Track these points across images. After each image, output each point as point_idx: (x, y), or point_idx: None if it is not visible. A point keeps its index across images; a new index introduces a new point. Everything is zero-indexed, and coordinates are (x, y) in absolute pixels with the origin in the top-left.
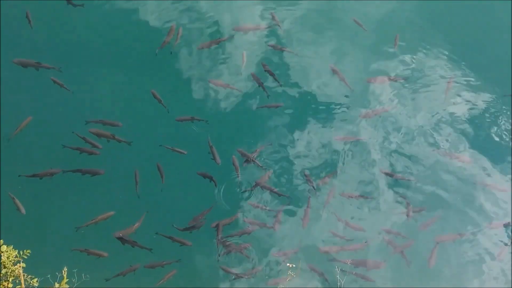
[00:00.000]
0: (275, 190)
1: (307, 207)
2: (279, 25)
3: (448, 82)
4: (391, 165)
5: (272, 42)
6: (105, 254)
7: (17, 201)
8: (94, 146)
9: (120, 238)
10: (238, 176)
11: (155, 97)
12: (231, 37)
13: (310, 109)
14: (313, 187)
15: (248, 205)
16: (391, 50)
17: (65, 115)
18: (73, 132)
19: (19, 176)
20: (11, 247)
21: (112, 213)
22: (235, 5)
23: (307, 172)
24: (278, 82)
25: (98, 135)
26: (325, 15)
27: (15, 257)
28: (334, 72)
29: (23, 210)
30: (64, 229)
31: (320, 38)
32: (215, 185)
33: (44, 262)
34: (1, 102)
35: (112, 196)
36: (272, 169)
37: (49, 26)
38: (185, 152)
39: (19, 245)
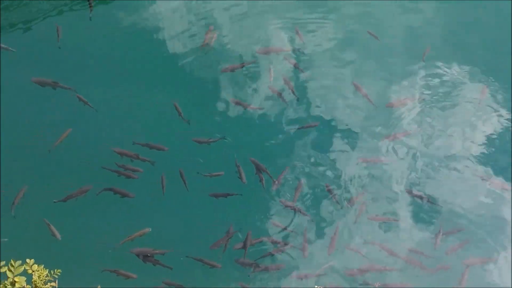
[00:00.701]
0: (298, 208)
1: (335, 234)
2: (302, 41)
3: (478, 103)
4: (416, 187)
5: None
6: (135, 276)
7: (52, 227)
8: (134, 170)
9: (142, 256)
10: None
11: (176, 109)
12: (255, 61)
13: (332, 130)
14: (336, 200)
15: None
16: (416, 68)
17: (89, 133)
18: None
19: (54, 202)
20: (42, 266)
21: (148, 229)
22: (259, 24)
23: (329, 186)
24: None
25: (121, 155)
26: (349, 31)
27: (46, 276)
28: (356, 88)
29: (58, 236)
30: (93, 248)
31: (344, 56)
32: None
33: (74, 282)
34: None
35: (138, 214)
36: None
37: (69, 43)
38: (222, 173)
39: (50, 264)
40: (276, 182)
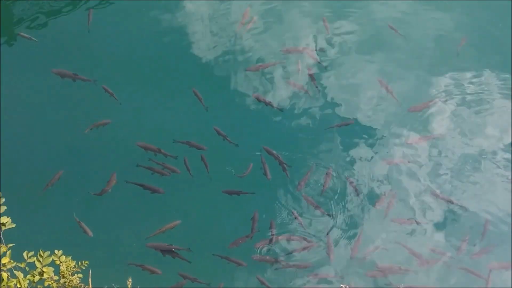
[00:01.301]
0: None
1: (358, 239)
2: (328, 32)
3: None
4: (442, 190)
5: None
6: (159, 271)
7: (83, 224)
8: (172, 170)
9: (162, 250)
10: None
11: (196, 95)
12: (282, 62)
13: (357, 130)
14: (356, 191)
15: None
16: (444, 69)
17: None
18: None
19: (93, 194)
20: (70, 257)
21: (178, 222)
22: (288, 22)
23: (350, 179)
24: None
25: (145, 149)
26: (377, 32)
27: (73, 267)
28: (381, 85)
29: (90, 233)
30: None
31: (371, 56)
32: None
33: (100, 275)
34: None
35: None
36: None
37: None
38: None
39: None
40: (287, 166)
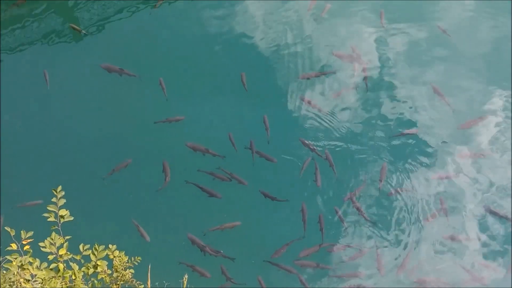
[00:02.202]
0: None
1: (407, 255)
2: (383, 26)
3: None
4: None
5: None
6: (208, 275)
7: (141, 228)
8: (240, 182)
9: (202, 249)
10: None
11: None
12: (335, 72)
13: (407, 144)
14: (364, 217)
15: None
16: (497, 85)
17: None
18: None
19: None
20: (123, 252)
21: (238, 223)
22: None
23: (355, 202)
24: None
25: (194, 149)
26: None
27: (126, 263)
28: (435, 91)
29: (147, 238)
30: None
31: (427, 65)
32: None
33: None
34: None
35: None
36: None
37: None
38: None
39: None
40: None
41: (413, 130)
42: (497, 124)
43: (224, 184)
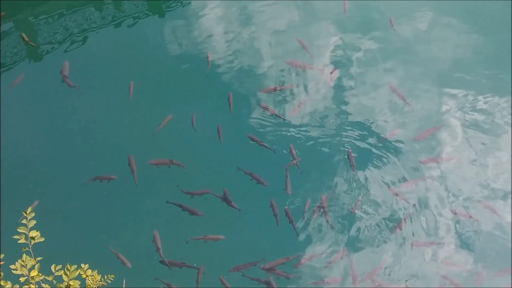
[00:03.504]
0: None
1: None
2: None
3: None
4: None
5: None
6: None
7: (121, 255)
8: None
9: (167, 264)
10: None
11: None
12: (297, 86)
13: (369, 151)
14: (329, 223)
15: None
16: (461, 92)
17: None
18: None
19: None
20: (96, 271)
21: (222, 237)
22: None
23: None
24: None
25: (158, 164)
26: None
27: (99, 281)
28: (393, 91)
29: (128, 264)
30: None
31: (387, 68)
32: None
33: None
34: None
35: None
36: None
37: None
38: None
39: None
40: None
41: (395, 131)
42: (456, 127)
43: None
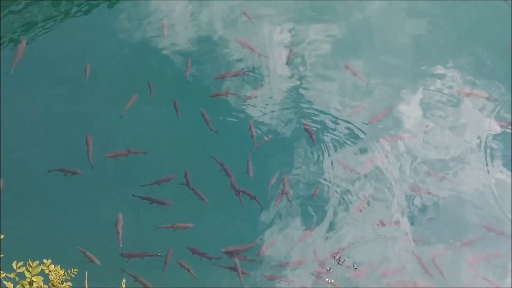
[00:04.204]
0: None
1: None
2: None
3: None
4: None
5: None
6: (149, 285)
7: (89, 253)
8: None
9: (127, 256)
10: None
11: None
12: (254, 70)
13: (328, 130)
14: (288, 199)
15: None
16: (418, 72)
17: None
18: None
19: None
20: (58, 266)
21: (191, 225)
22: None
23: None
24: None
25: (116, 156)
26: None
27: (62, 276)
28: (346, 68)
29: (97, 262)
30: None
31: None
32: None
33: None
34: None
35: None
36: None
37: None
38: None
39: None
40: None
41: (386, 110)
42: (411, 104)
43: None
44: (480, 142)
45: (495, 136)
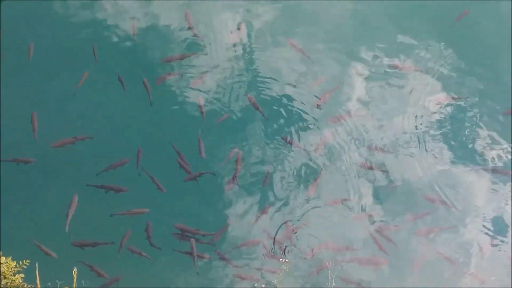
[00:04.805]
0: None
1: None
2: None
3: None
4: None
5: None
6: (106, 276)
7: (44, 247)
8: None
9: (79, 245)
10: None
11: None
12: (199, 53)
13: (278, 112)
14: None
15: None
16: (362, 51)
17: None
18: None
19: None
20: (10, 258)
21: (147, 210)
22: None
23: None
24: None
25: (62, 145)
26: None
27: (14, 267)
28: (291, 46)
29: (54, 255)
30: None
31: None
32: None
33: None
34: None
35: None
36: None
37: None
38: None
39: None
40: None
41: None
42: (359, 82)
43: None
44: (422, 117)
45: (436, 111)
